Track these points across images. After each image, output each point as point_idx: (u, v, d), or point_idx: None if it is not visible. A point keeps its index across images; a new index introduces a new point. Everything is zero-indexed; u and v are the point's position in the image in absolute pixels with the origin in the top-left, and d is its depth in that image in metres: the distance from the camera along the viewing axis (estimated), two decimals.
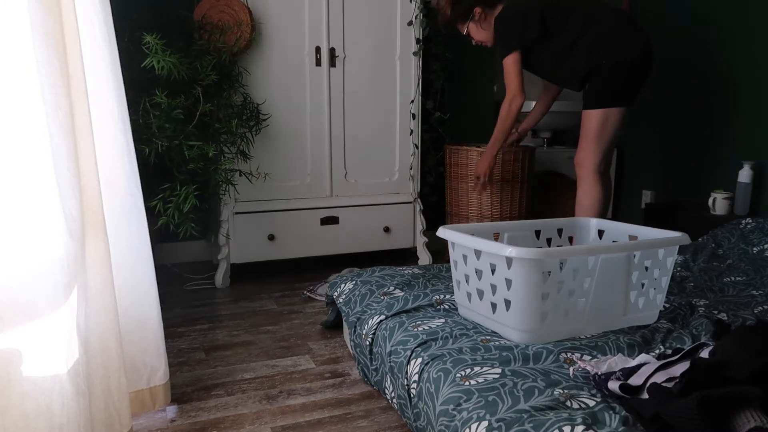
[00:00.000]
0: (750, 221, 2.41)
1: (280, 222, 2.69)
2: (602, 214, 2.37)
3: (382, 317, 1.59)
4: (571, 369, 1.22)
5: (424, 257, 2.97)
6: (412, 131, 2.90)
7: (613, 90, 2.27)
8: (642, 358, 1.21)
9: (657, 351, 1.34)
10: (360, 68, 2.76)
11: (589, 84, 2.33)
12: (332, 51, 2.68)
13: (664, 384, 1.08)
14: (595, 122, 2.29)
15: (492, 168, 2.57)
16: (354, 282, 1.89)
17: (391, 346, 1.46)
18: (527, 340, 1.36)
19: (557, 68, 2.37)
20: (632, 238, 1.69)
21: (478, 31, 2.47)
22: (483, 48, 2.88)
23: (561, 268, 1.37)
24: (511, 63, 2.33)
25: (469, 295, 1.51)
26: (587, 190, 2.35)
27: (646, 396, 1.08)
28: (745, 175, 2.67)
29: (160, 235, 2.62)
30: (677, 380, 1.06)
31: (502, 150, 2.57)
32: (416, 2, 2.79)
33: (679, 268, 2.06)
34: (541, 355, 1.29)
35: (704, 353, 1.18)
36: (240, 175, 2.52)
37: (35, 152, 1.08)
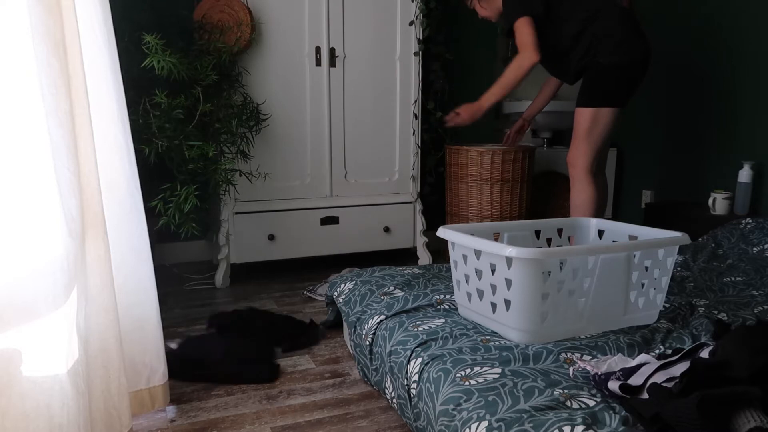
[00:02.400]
0: (750, 221, 2.41)
1: (280, 222, 2.69)
2: (596, 214, 2.37)
3: (382, 317, 1.59)
4: (571, 369, 1.22)
5: (424, 257, 2.97)
6: (414, 131, 2.90)
7: (606, 90, 2.27)
8: (642, 358, 1.21)
9: (657, 351, 1.34)
10: (360, 68, 2.76)
11: (583, 81, 2.33)
12: (332, 51, 2.68)
13: (664, 384, 1.08)
14: (586, 121, 2.29)
15: (474, 116, 2.46)
16: (354, 282, 1.89)
17: (391, 346, 1.46)
18: (527, 340, 1.36)
19: (554, 60, 2.38)
20: (632, 238, 1.69)
21: (481, 8, 2.46)
22: (482, 48, 2.88)
23: (561, 268, 1.37)
24: (524, 24, 2.24)
25: (469, 295, 1.51)
26: (579, 189, 2.35)
27: (646, 396, 1.08)
28: (745, 175, 2.67)
29: (160, 235, 2.62)
30: (677, 380, 1.06)
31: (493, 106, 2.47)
32: (417, 2, 2.79)
33: (679, 268, 2.06)
34: (541, 355, 1.29)
35: (704, 353, 1.18)
36: (240, 175, 2.52)
37: (35, 152, 1.08)
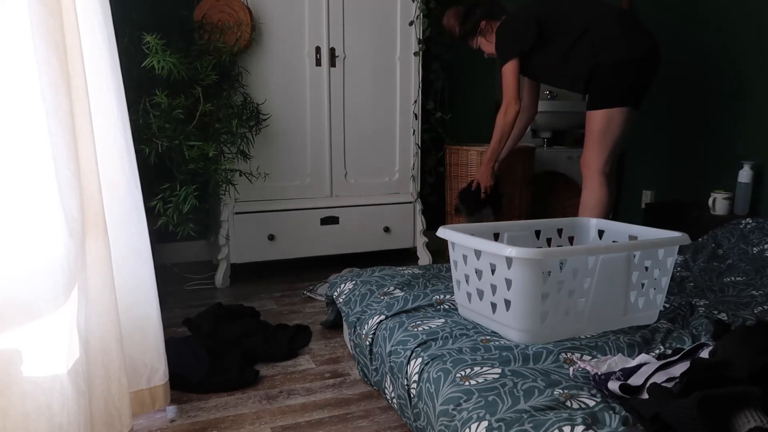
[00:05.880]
0: (750, 221, 2.41)
1: (280, 222, 2.69)
2: (605, 216, 2.36)
3: (382, 317, 1.59)
4: (571, 369, 1.22)
5: (424, 257, 2.97)
6: (414, 131, 2.90)
7: (615, 90, 2.26)
8: (642, 358, 1.21)
9: (657, 351, 1.34)
10: (360, 68, 2.76)
11: (592, 85, 2.32)
12: (332, 51, 2.68)
13: (664, 384, 1.08)
14: (598, 123, 2.28)
15: (490, 174, 2.59)
16: (354, 282, 1.89)
17: (391, 346, 1.46)
18: (527, 340, 1.36)
19: (560, 73, 2.38)
20: (632, 238, 1.69)
21: (487, 44, 2.55)
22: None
23: (561, 268, 1.37)
24: (508, 71, 2.37)
25: (469, 295, 1.51)
26: (592, 191, 2.34)
27: (646, 396, 1.08)
28: (745, 175, 2.67)
29: (160, 235, 2.62)
30: (677, 380, 1.06)
31: (497, 160, 2.61)
32: (417, 2, 2.79)
33: (679, 268, 2.06)
34: (541, 355, 1.29)
35: (704, 353, 1.18)
36: (240, 175, 2.52)
37: (35, 152, 1.08)
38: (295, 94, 2.65)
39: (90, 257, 1.23)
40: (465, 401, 1.12)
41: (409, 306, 1.62)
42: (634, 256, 1.47)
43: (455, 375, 1.21)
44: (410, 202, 2.96)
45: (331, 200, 2.80)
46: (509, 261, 1.34)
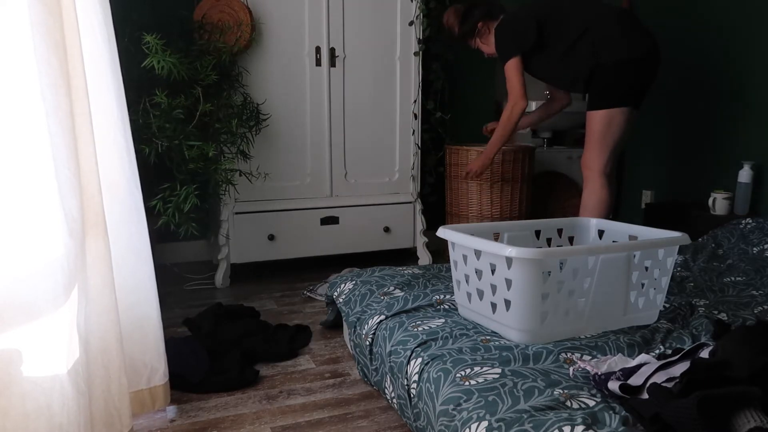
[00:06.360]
0: (750, 221, 2.41)
1: (280, 222, 2.69)
2: (606, 216, 2.36)
3: (382, 317, 1.59)
4: (571, 369, 1.22)
5: (424, 257, 2.97)
6: (414, 131, 2.90)
7: (615, 90, 2.26)
8: (642, 358, 1.21)
9: (657, 351, 1.34)
10: (360, 68, 2.76)
11: (592, 85, 2.32)
12: (332, 51, 2.68)
13: (664, 384, 1.08)
14: (599, 123, 2.28)
15: (485, 168, 2.59)
16: (354, 282, 1.89)
17: (391, 346, 1.46)
18: (527, 340, 1.36)
19: (560, 73, 2.37)
20: (632, 238, 1.69)
21: (484, 45, 2.55)
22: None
23: (561, 268, 1.37)
24: (511, 69, 2.36)
25: (469, 295, 1.51)
26: (593, 192, 2.34)
27: (646, 396, 1.08)
28: (745, 175, 2.67)
29: (160, 235, 2.62)
30: (677, 380, 1.06)
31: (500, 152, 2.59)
32: (417, 2, 2.79)
33: (679, 268, 2.06)
34: (541, 355, 1.29)
35: (704, 353, 1.18)
36: (240, 175, 2.52)
37: (35, 152, 1.08)
38: (295, 94, 2.65)
39: (90, 257, 1.23)
40: (465, 401, 1.12)
41: (409, 306, 1.62)
42: (634, 256, 1.47)
43: (455, 375, 1.21)
44: (410, 202, 2.96)
45: (331, 200, 2.80)
46: (509, 261, 1.34)
